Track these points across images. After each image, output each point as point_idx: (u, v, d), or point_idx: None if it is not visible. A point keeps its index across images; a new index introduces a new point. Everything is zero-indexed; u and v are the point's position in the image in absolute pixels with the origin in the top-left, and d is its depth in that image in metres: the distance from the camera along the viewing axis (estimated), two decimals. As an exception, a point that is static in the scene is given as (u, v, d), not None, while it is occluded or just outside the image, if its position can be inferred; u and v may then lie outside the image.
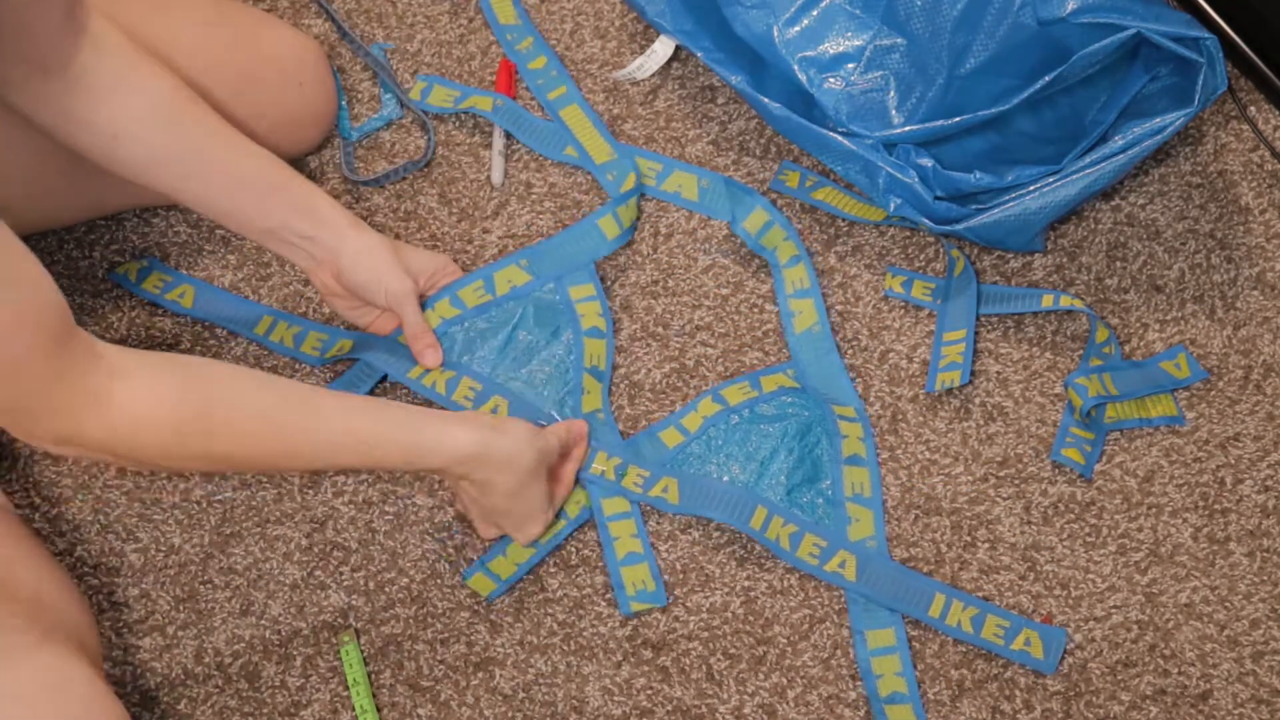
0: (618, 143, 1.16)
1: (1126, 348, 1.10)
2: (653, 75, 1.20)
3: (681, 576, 1.02)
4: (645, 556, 1.02)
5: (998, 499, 1.05)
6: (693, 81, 1.20)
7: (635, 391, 1.08)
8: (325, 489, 1.05)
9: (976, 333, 1.09)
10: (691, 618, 1.01)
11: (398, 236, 1.14)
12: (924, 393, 1.08)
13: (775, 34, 1.11)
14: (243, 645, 1.01)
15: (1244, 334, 1.10)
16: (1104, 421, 1.06)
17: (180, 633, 1.01)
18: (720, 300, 1.12)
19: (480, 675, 1.00)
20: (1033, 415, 1.07)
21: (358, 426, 0.88)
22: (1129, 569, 1.03)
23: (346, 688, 0.99)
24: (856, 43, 1.11)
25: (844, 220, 1.15)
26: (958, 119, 1.06)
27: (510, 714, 0.99)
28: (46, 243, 1.13)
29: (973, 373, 1.09)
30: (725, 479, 1.04)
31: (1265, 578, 1.02)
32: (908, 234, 1.14)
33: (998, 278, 1.12)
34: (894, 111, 1.10)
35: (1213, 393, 1.08)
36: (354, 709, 0.98)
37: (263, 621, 1.01)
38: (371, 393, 1.07)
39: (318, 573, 1.03)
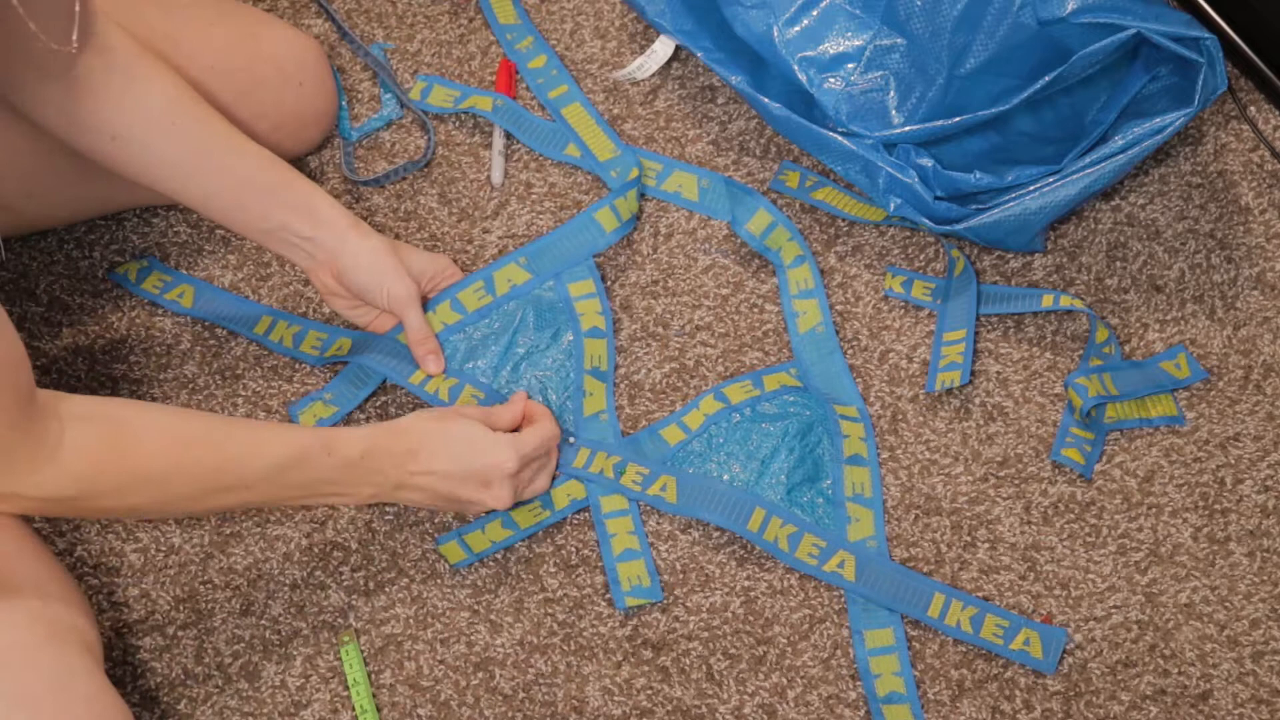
0: (621, 141, 1.16)
1: (1126, 348, 1.10)
2: (653, 75, 1.20)
3: (681, 576, 1.02)
4: (642, 553, 1.02)
5: (998, 499, 1.05)
6: (693, 81, 1.20)
7: (635, 391, 1.08)
8: (325, 489, 1.05)
9: (976, 333, 1.09)
10: (691, 618, 1.01)
11: (398, 236, 1.14)
12: (924, 393, 1.08)
13: (775, 34, 1.11)
14: (243, 645, 1.01)
15: (1244, 334, 1.10)
16: (1104, 421, 1.06)
17: (180, 633, 1.01)
18: (720, 300, 1.12)
19: (480, 675, 1.00)
20: (1033, 415, 1.07)
21: (272, 429, 0.90)
22: (1129, 569, 1.03)
23: (346, 688, 0.99)
24: (856, 43, 1.11)
25: (844, 220, 1.15)
26: (958, 119, 1.06)
27: (510, 714, 0.99)
28: (46, 243, 1.13)
29: (973, 373, 1.09)
30: (725, 477, 1.04)
31: (1265, 578, 1.02)
32: (908, 234, 1.14)
33: (998, 278, 1.12)
34: (894, 111, 1.10)
35: (1213, 393, 1.08)
36: (354, 709, 0.98)
37: (263, 621, 1.01)
38: (371, 397, 1.07)
39: (318, 573, 1.03)
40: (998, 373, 1.09)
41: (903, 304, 1.12)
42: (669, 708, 0.99)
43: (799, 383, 1.07)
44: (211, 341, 1.10)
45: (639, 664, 1.00)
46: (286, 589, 1.02)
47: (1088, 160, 1.04)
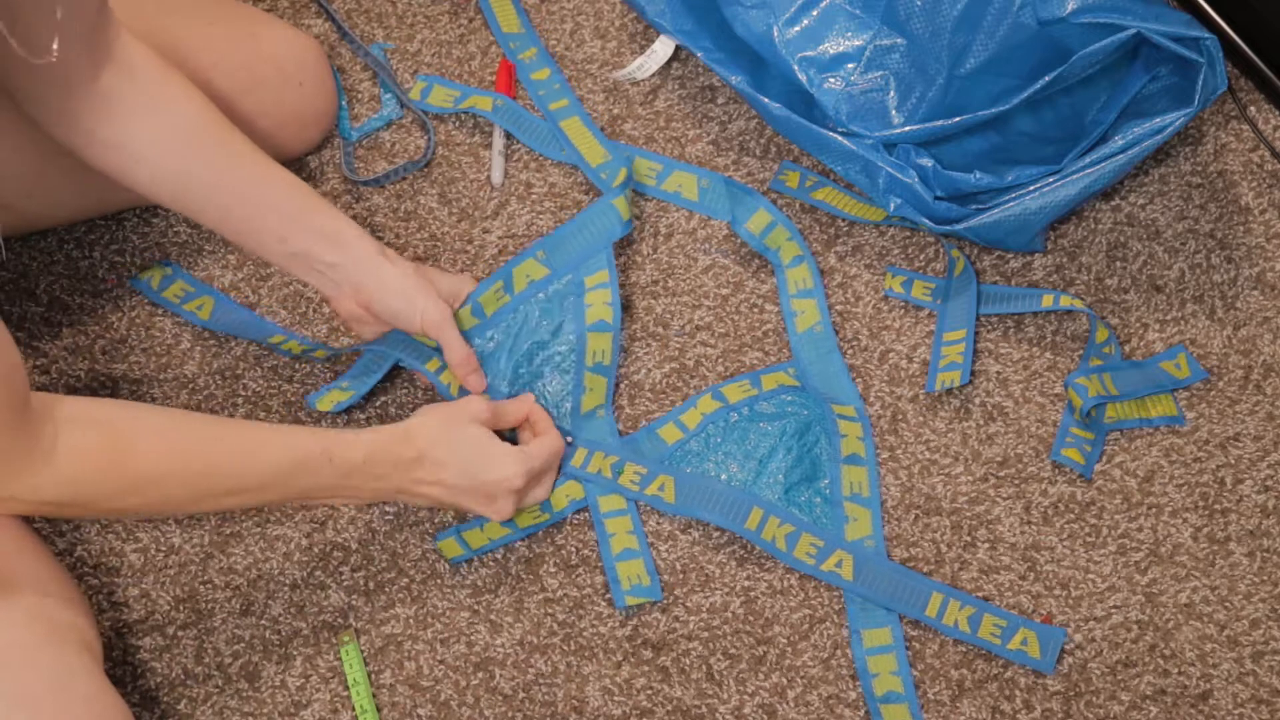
0: (619, 154, 1.15)
1: (1126, 348, 1.10)
2: (653, 75, 1.20)
3: (681, 576, 1.02)
4: (641, 553, 1.02)
5: (998, 499, 1.05)
6: (693, 81, 1.20)
7: (635, 391, 1.08)
8: (325, 489, 1.05)
9: (976, 333, 1.09)
10: (691, 618, 1.01)
11: (397, 237, 1.14)
12: (924, 393, 1.08)
13: (775, 34, 1.11)
14: (243, 645, 1.01)
15: (1244, 334, 1.10)
16: (1104, 421, 1.06)
17: (180, 633, 1.01)
18: (720, 300, 1.12)
19: (480, 675, 1.00)
20: (1033, 415, 1.07)
21: (270, 433, 0.90)
22: (1129, 569, 1.03)
23: (346, 688, 0.99)
24: (856, 43, 1.11)
25: (844, 220, 1.15)
26: (958, 119, 1.06)
27: (510, 714, 0.99)
28: (46, 243, 1.13)
29: (973, 373, 1.09)
30: (723, 477, 1.04)
31: (1265, 578, 1.02)
32: (908, 234, 1.14)
33: (998, 278, 1.12)
34: (894, 111, 1.10)
35: (1213, 393, 1.08)
36: (354, 709, 0.98)
37: (263, 621, 1.01)
38: (370, 395, 1.07)
39: (318, 573, 1.03)
40: (998, 373, 1.09)
41: (903, 304, 1.12)
42: (669, 708, 0.99)
43: (797, 382, 1.07)
44: (211, 341, 1.10)
45: (639, 664, 1.00)
46: (286, 589, 1.02)
47: (1088, 160, 1.04)
